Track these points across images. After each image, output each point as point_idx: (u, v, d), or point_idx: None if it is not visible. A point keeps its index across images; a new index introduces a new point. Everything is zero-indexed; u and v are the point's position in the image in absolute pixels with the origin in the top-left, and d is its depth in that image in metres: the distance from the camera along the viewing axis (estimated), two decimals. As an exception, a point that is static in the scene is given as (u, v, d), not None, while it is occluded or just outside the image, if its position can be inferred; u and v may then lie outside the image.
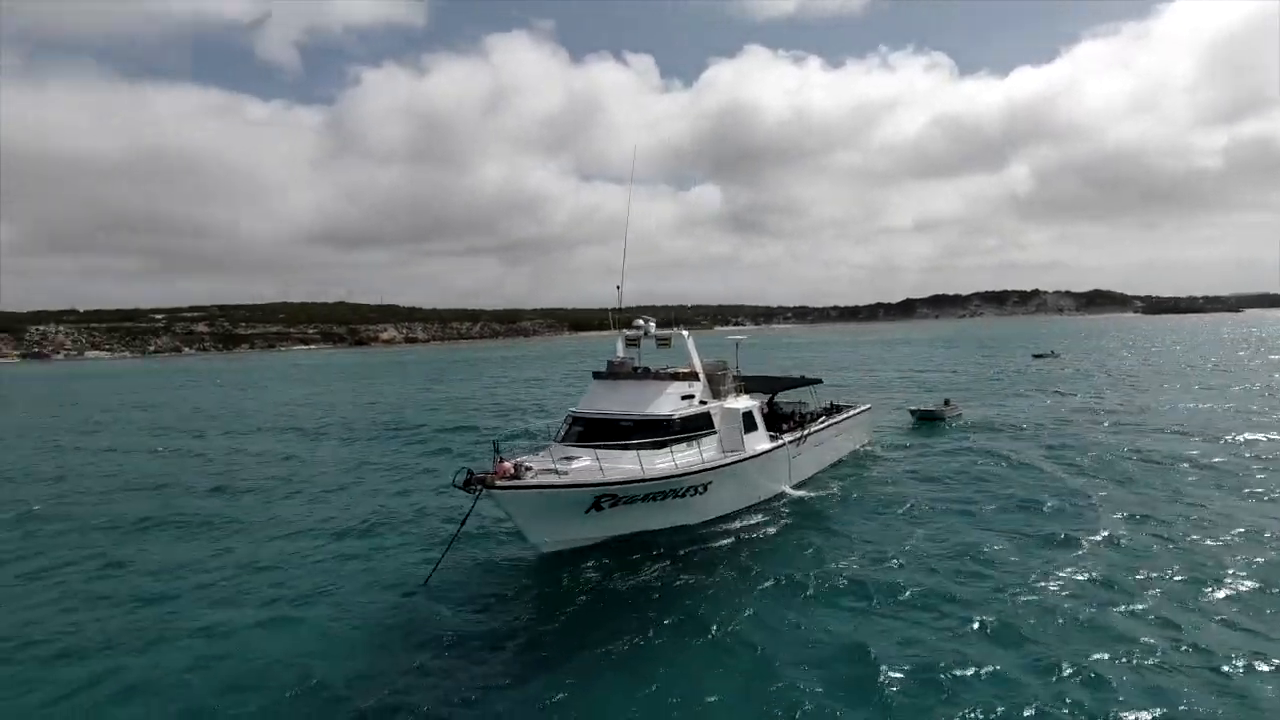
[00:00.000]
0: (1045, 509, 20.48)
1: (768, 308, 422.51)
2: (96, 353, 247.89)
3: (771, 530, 20.31)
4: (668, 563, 17.90)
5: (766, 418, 24.91)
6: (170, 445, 40.00)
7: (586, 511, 18.28)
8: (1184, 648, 12.41)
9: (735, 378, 24.27)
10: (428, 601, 15.86)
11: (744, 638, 13.53)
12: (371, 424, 45.35)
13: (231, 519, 23.11)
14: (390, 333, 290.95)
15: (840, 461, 27.79)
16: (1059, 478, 24.10)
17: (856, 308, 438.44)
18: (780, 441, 23.58)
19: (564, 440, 20.29)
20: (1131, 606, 13.99)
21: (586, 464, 18.63)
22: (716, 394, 22.75)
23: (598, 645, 13.43)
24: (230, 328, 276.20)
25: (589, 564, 17.72)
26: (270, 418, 52.29)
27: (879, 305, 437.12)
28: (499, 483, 16.52)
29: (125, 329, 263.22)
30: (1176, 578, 15.31)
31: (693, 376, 21.94)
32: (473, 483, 16.28)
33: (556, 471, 18.04)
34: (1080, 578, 15.42)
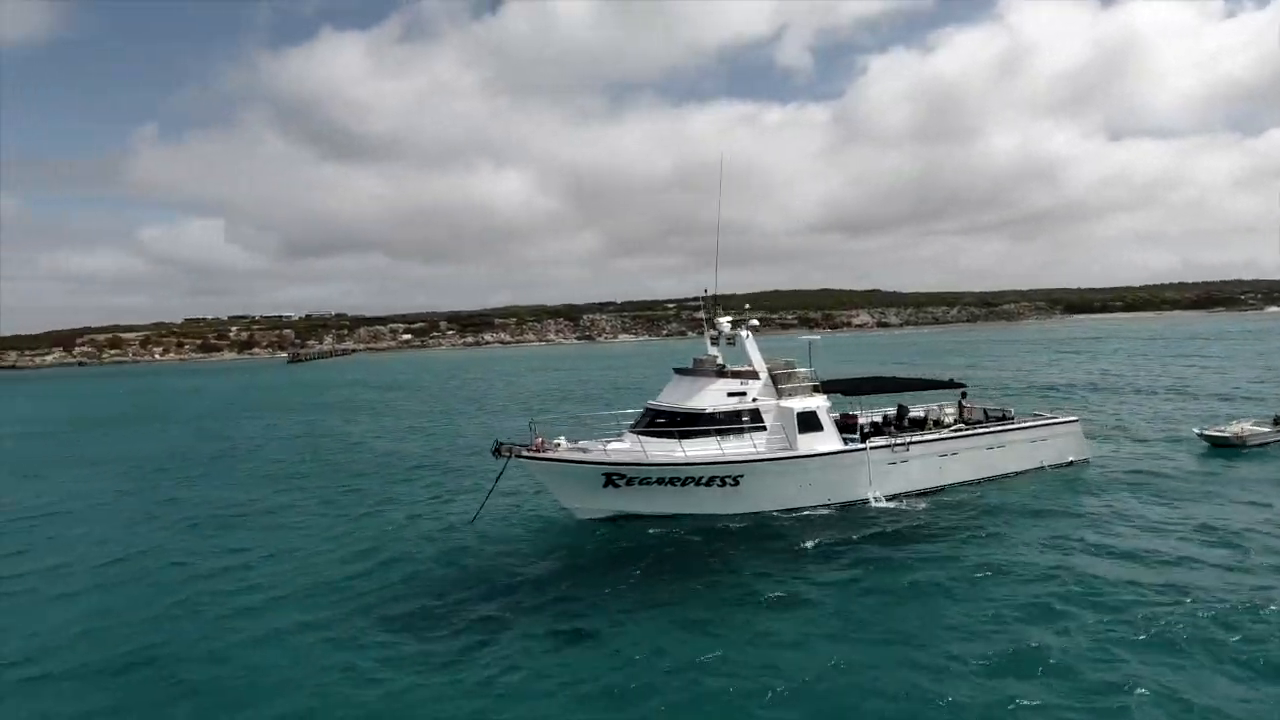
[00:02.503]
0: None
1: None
2: (626, 336, 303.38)
3: (785, 539, 20.59)
4: (678, 540, 20.74)
5: (893, 423, 25.35)
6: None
7: (604, 486, 21.21)
8: None
9: (807, 378, 24.08)
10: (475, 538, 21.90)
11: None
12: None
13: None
14: (863, 317, 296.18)
15: (1001, 478, 25.29)
16: None
17: None
18: (854, 446, 23.01)
19: (633, 428, 23.02)
20: None
21: (622, 447, 21.63)
22: (780, 393, 23.21)
23: (604, 586, 17.66)
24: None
25: (614, 530, 21.69)
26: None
27: None
28: (524, 453, 20.62)
29: (646, 316, 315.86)
30: None
31: (751, 375, 23.09)
32: (501, 451, 20.49)
33: (585, 450, 21.44)
34: None
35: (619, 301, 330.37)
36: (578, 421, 27.41)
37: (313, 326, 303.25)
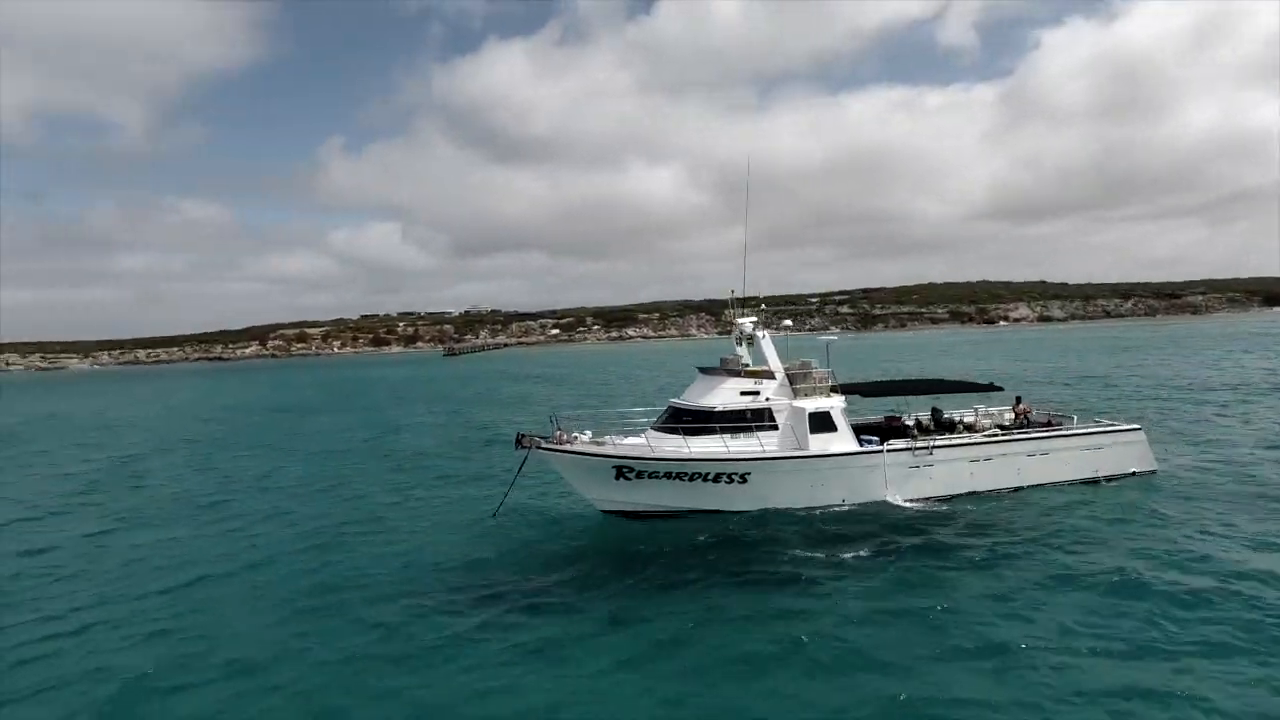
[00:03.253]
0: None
1: None
2: (768, 331, 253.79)
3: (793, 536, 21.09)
4: (689, 536, 21.47)
5: (925, 426, 25.63)
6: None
7: (616, 479, 22.30)
8: None
9: (824, 378, 24.25)
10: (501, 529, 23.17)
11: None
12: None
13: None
14: (1021, 310, 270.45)
15: (1045, 486, 24.51)
16: None
17: None
18: (870, 449, 23.24)
19: (654, 425, 24.16)
20: None
21: (636, 442, 22.77)
22: (795, 393, 23.72)
23: (626, 577, 18.60)
24: (869, 309, 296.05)
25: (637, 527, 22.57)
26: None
27: None
28: (543, 445, 22.07)
29: (788, 311, 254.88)
30: None
31: (768, 375, 23.67)
32: (522, 442, 21.96)
33: (601, 444, 22.77)
34: None
35: (761, 296, 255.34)
36: (616, 418, 27.57)
37: (470, 322, 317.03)
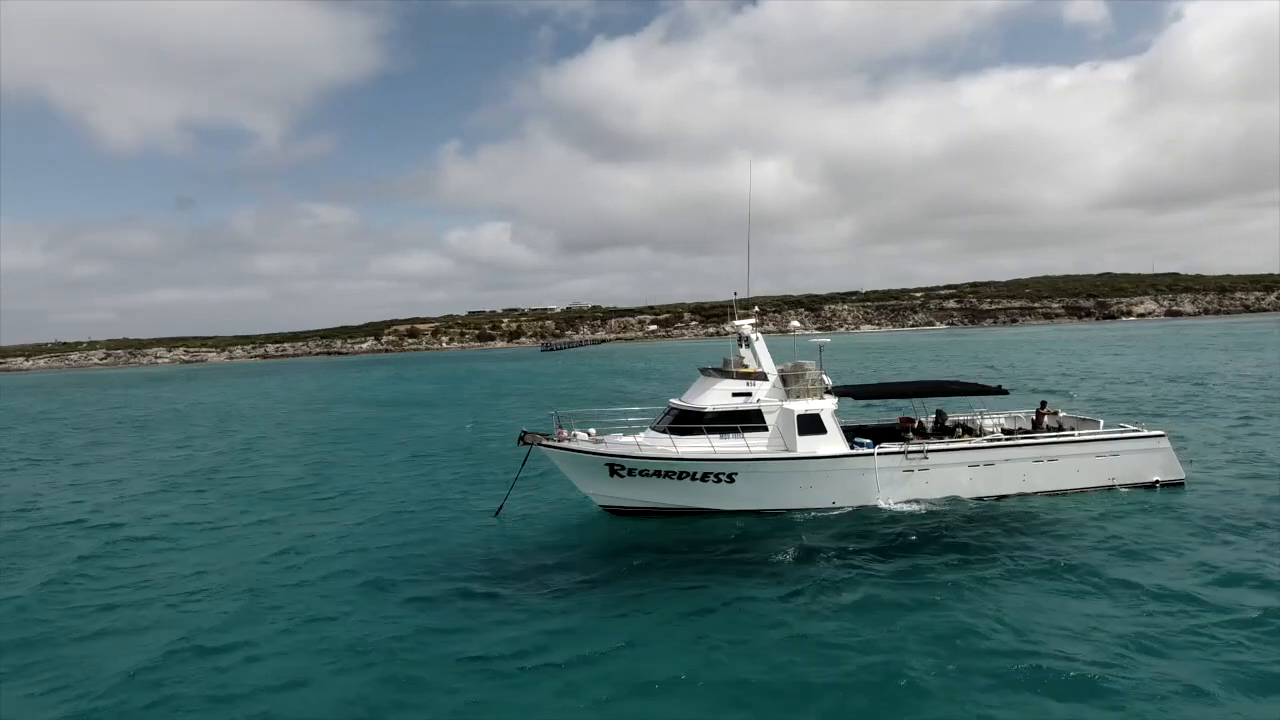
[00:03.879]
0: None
1: None
2: (868, 326, 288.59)
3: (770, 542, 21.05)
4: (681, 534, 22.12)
5: (931, 429, 25.75)
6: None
7: (610, 476, 23.30)
8: None
9: (817, 380, 24.45)
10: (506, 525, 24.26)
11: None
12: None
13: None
14: (1147, 305, 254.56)
15: (1055, 493, 24.12)
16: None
17: None
18: (859, 451, 23.35)
19: (653, 424, 25.00)
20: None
21: (628, 441, 23.78)
22: (788, 394, 24.06)
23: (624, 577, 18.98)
24: (977, 303, 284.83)
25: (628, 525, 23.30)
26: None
27: None
28: (544, 442, 23.27)
29: (890, 306, 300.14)
30: None
31: (760, 377, 24.04)
32: (525, 439, 23.22)
33: (597, 442, 23.86)
34: None
35: (863, 290, 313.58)
36: (620, 416, 27.58)
37: (570, 318, 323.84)
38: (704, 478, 23.12)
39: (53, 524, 27.59)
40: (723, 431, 23.36)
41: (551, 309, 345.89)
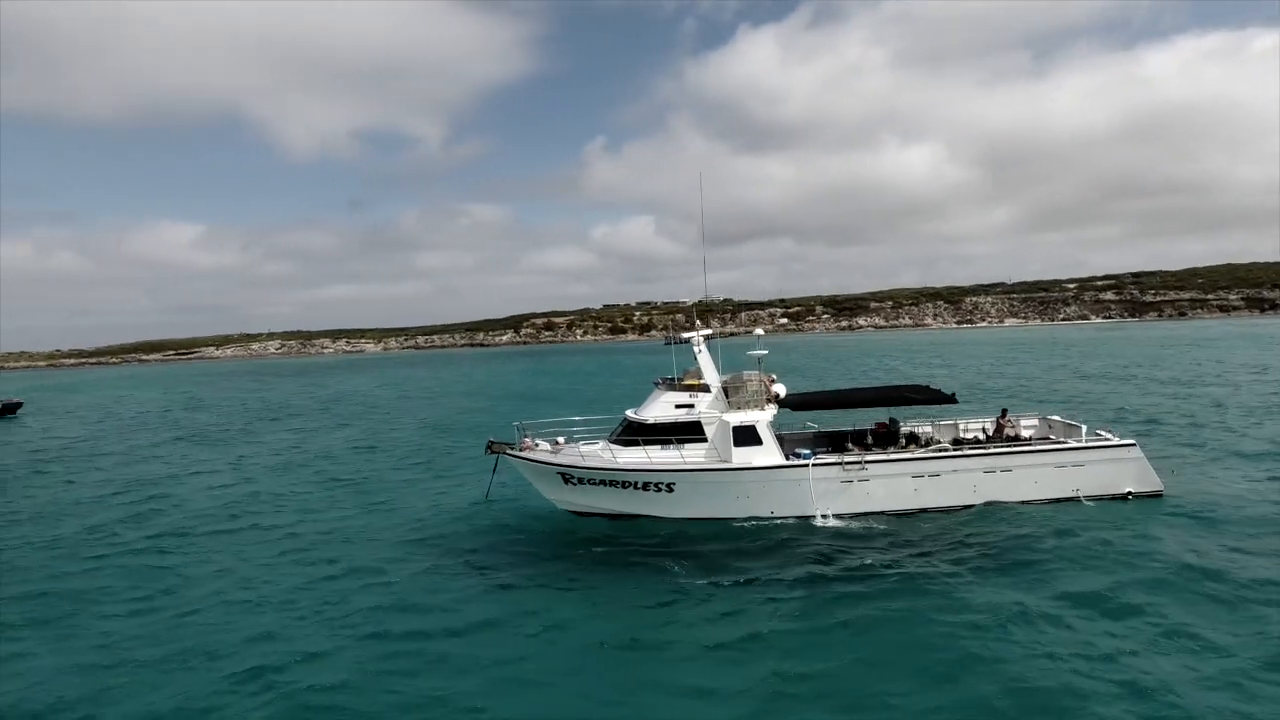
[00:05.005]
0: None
1: None
2: (1014, 320, 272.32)
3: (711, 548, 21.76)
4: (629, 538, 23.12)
5: (880, 437, 25.82)
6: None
7: (565, 483, 24.77)
8: None
9: (758, 392, 24.82)
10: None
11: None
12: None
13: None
14: None
15: (1009, 504, 23.58)
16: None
17: None
18: (794, 463, 23.77)
19: (610, 434, 25.70)
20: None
21: (581, 450, 25.16)
22: (730, 405, 24.47)
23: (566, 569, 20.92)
24: (1139, 295, 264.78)
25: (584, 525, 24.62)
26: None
27: None
28: (508, 451, 24.82)
29: (1038, 299, 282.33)
30: None
31: (703, 389, 24.52)
32: (492, 448, 24.80)
33: (554, 452, 25.52)
34: None
35: (1010, 282, 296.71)
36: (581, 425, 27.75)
37: (701, 311, 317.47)
38: (645, 487, 24.07)
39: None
40: (663, 443, 24.06)
41: (683, 301, 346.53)
